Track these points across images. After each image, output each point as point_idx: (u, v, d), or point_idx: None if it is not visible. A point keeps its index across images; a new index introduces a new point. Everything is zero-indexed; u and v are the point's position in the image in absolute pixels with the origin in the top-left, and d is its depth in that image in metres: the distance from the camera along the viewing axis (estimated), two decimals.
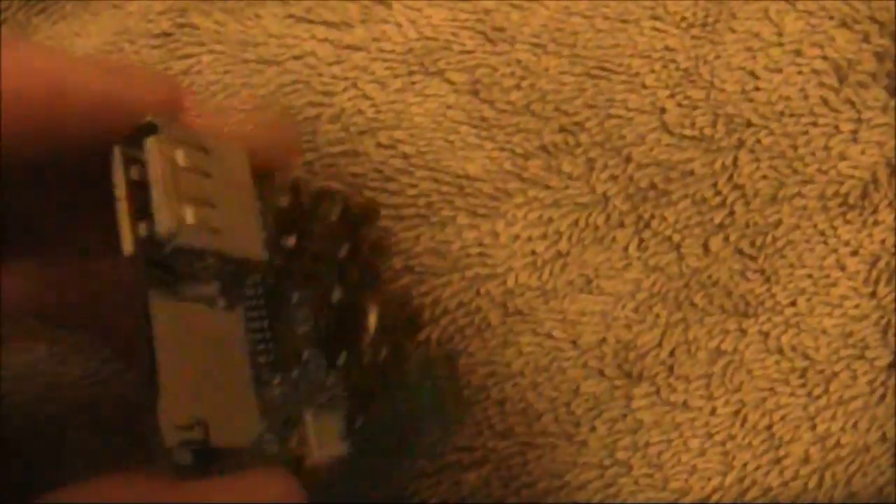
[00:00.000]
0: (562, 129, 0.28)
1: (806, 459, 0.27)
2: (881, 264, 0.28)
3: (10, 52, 0.18)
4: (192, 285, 0.19)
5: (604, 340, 0.27)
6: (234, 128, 0.22)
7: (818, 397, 0.27)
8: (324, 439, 0.20)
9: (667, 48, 0.28)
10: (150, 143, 0.18)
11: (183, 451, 0.18)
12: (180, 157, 0.18)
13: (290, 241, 0.21)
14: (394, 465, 0.24)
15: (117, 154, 0.18)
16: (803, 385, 0.27)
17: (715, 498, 0.26)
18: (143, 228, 0.18)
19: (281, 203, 0.22)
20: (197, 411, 0.18)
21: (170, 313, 0.18)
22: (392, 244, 0.26)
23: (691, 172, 0.28)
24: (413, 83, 0.28)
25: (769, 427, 0.27)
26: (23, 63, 0.18)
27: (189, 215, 0.18)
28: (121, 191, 0.18)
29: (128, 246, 0.18)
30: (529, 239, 0.27)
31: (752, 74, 0.28)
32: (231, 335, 0.19)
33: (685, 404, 0.27)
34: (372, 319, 0.22)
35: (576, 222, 0.28)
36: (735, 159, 0.28)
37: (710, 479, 0.26)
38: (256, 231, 0.20)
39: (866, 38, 0.28)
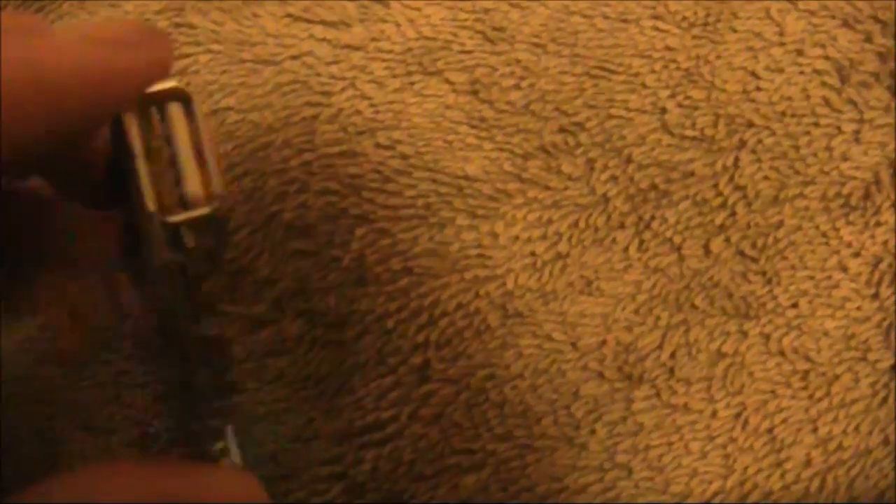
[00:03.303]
0: (562, 130, 0.28)
1: (808, 462, 0.26)
2: (883, 266, 0.27)
3: None
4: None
5: (604, 342, 0.27)
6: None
7: (820, 400, 0.27)
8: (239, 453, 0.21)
9: (667, 48, 0.28)
10: (175, 108, 0.18)
11: (153, 426, 0.18)
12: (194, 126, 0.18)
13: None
14: None
15: (131, 120, 0.18)
16: (805, 387, 0.27)
17: (716, 501, 0.26)
18: (165, 195, 0.18)
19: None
20: None
21: None
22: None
23: (692, 173, 0.27)
24: (412, 83, 0.28)
25: (770, 430, 0.27)
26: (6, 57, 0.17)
27: (216, 183, 0.18)
28: (139, 150, 0.18)
29: (151, 203, 0.18)
30: (529, 240, 0.27)
31: (754, 74, 0.28)
32: None
33: (686, 407, 0.27)
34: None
35: (576, 223, 0.27)
36: (736, 160, 0.28)
37: (711, 483, 0.26)
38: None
39: (868, 38, 0.28)
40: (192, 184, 0.18)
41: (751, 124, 0.28)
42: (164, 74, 0.19)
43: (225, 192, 0.18)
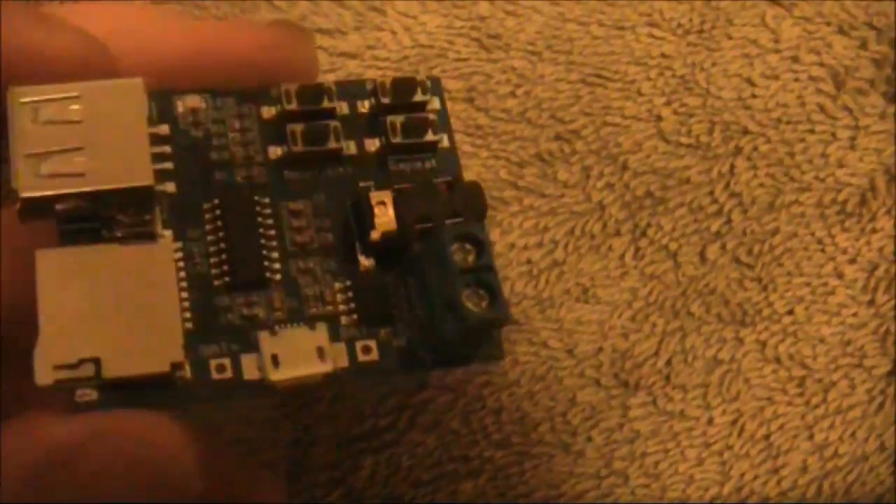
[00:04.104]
0: (557, 137, 0.28)
1: (804, 469, 0.26)
2: (879, 272, 0.27)
3: None
4: (115, 228, 0.20)
5: (600, 350, 0.27)
6: (240, 40, 0.22)
7: (816, 406, 0.27)
8: (289, 359, 0.20)
9: (663, 55, 0.28)
10: (10, 108, 0.19)
11: (85, 389, 0.19)
12: (44, 112, 0.20)
13: (276, 151, 0.21)
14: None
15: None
16: (801, 394, 0.27)
17: None
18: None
19: (264, 115, 0.22)
20: (87, 350, 0.19)
21: (62, 261, 0.19)
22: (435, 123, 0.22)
23: (688, 180, 0.28)
24: None
25: (767, 436, 0.27)
26: None
27: (45, 167, 0.19)
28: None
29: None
30: (525, 247, 0.27)
31: (749, 81, 0.28)
32: (153, 266, 0.20)
33: (682, 413, 0.27)
34: (381, 214, 0.21)
35: (572, 231, 0.27)
36: (732, 167, 0.28)
37: (707, 489, 0.26)
38: (142, 159, 0.20)
39: (864, 45, 0.28)
40: (17, 182, 0.19)
41: (746, 131, 0.28)
42: (90, 65, 0.20)
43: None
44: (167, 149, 0.21)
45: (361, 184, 0.21)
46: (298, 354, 0.20)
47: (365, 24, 0.29)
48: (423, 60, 0.28)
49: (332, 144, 0.21)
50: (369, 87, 0.22)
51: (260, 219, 0.21)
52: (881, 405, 0.27)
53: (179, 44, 0.22)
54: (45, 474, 0.18)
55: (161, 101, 0.21)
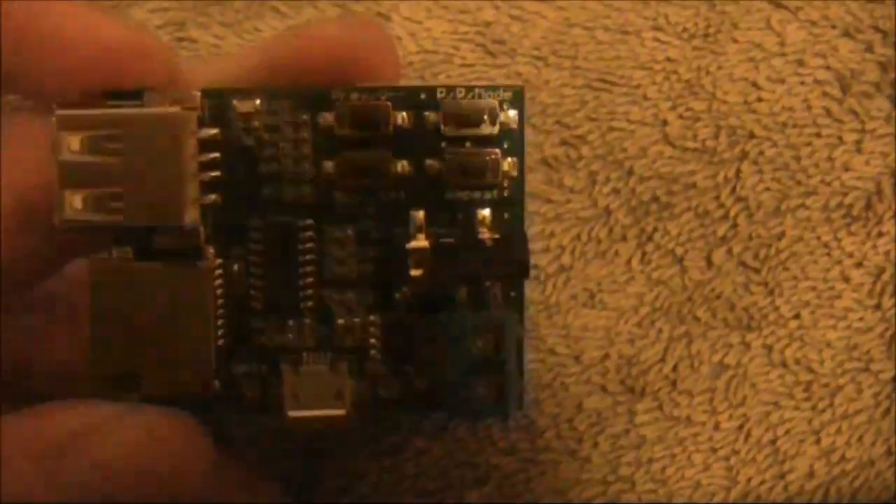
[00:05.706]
0: (563, 143, 0.28)
1: (811, 474, 0.26)
2: (886, 276, 0.27)
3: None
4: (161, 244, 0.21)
5: (607, 356, 0.27)
6: (321, 36, 0.22)
7: (823, 411, 0.27)
8: (308, 399, 0.21)
9: (668, 59, 0.28)
10: (56, 135, 0.20)
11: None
12: (83, 142, 0.20)
13: (329, 166, 0.21)
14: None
15: None
16: (808, 399, 0.27)
17: None
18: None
19: (322, 122, 0.21)
20: (129, 364, 0.20)
21: (111, 271, 0.20)
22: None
23: (694, 185, 0.27)
24: None
25: (773, 441, 0.27)
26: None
27: (77, 200, 0.20)
28: None
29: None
30: (532, 253, 0.27)
31: (755, 85, 0.28)
32: (195, 288, 0.21)
33: (688, 419, 0.27)
34: (415, 269, 0.21)
35: (578, 236, 0.27)
36: (738, 171, 0.28)
37: (714, 495, 0.26)
38: (179, 195, 0.20)
39: (869, 48, 0.28)
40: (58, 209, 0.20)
41: (752, 135, 0.28)
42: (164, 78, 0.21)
43: None
44: (216, 154, 0.21)
45: (412, 211, 0.21)
46: (317, 395, 0.21)
47: None
48: (429, 66, 0.28)
49: (385, 167, 0.21)
50: (440, 95, 0.21)
51: (301, 245, 0.21)
52: (888, 409, 0.27)
53: (253, 63, 0.22)
54: (53, 461, 0.19)
55: (216, 101, 0.21)
